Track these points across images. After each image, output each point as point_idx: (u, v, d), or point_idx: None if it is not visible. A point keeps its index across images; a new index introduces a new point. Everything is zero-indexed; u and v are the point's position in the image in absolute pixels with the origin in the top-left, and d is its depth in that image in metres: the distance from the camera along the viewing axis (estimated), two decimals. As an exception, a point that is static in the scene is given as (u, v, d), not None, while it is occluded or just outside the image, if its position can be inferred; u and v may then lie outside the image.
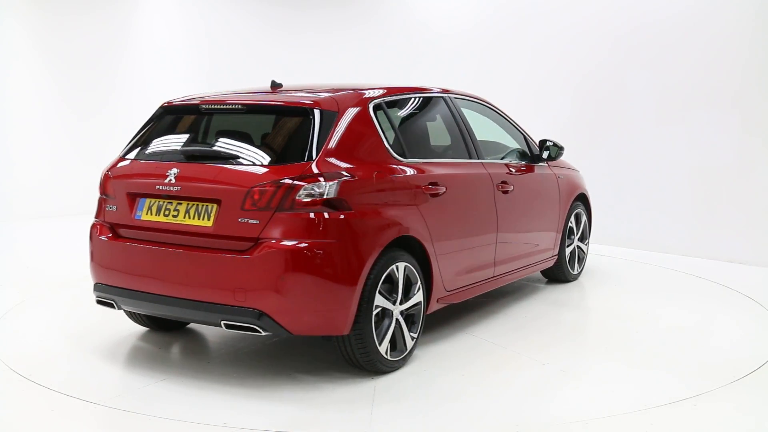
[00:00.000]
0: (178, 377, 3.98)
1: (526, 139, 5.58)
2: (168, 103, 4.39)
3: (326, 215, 3.62)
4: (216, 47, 11.11)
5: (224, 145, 4.03)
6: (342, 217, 3.67)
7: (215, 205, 3.70)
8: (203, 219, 3.73)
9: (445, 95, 4.97)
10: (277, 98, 4.05)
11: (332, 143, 3.80)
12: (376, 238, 3.79)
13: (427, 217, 4.20)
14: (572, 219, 6.00)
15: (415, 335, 4.12)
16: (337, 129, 3.86)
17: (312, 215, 3.60)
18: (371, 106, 4.16)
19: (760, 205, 6.94)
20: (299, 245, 3.56)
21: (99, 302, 4.19)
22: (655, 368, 4.15)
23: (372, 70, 9.88)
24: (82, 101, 10.58)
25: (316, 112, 3.86)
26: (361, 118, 4.05)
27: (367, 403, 3.61)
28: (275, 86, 4.40)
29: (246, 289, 3.57)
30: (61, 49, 10.46)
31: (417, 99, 4.84)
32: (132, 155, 4.23)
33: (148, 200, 3.95)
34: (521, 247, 5.31)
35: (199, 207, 3.76)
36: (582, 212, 6.18)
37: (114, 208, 4.10)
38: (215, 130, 4.19)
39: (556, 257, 5.82)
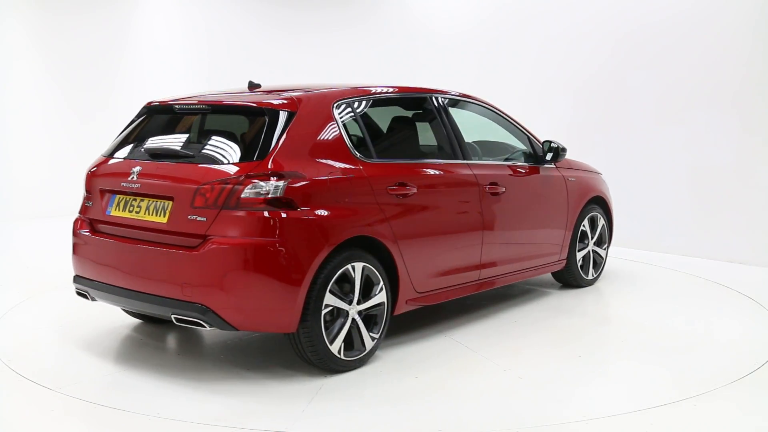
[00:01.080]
0: (178, 377, 3.99)
1: (531, 141, 5.46)
2: (149, 103, 4.50)
3: (270, 214, 3.66)
4: (216, 47, 11.11)
5: (184, 144, 4.15)
6: (287, 216, 3.70)
7: (170, 202, 3.83)
8: (159, 215, 3.86)
9: (431, 95, 4.88)
10: (239, 99, 4.15)
11: (285, 143, 3.84)
12: (325, 237, 3.79)
13: (392, 218, 4.17)
14: (586, 223, 5.84)
15: (377, 336, 4.13)
16: (292, 129, 3.89)
17: (256, 213, 3.65)
18: (336, 106, 4.18)
19: (760, 205, 6.94)
20: (241, 243, 3.62)
21: (77, 293, 4.35)
22: (655, 368, 4.15)
23: (372, 70, 9.89)
24: (82, 101, 10.58)
25: (273, 113, 3.92)
26: (322, 119, 4.08)
27: (307, 399, 3.64)
28: (253, 86, 4.48)
29: (192, 284, 3.67)
30: (61, 49, 10.46)
31: (394, 100, 4.85)
32: (110, 153, 4.39)
33: (117, 197, 4.12)
34: (517, 250, 5.20)
35: (157, 204, 3.89)
36: (599, 216, 5.98)
37: (91, 204, 4.31)
38: (180, 130, 4.29)
39: (564, 261, 5.69)
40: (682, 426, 3.38)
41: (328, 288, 3.82)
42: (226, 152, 3.89)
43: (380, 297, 4.11)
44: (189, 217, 3.73)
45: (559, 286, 6.00)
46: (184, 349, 4.46)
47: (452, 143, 4.81)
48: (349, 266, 3.93)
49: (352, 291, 3.97)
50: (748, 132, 7.00)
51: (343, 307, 3.92)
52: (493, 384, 3.90)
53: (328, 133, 4.07)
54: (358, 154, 4.14)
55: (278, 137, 3.83)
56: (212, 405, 3.60)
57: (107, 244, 4.12)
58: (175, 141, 4.23)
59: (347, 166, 4.04)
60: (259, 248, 3.63)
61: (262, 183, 3.68)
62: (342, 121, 4.16)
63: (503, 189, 4.97)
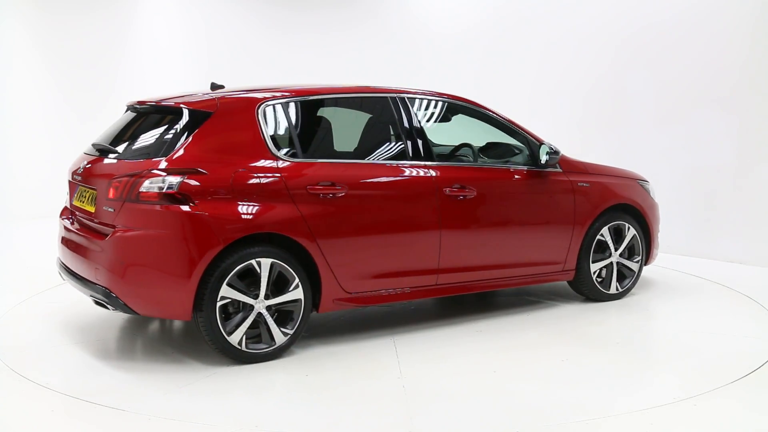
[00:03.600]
0: (178, 377, 3.99)
1: (529, 143, 5.19)
2: (129, 102, 4.76)
3: (162, 208, 3.90)
4: (216, 47, 11.10)
5: (119, 141, 4.39)
6: (180, 211, 3.91)
7: (96, 193, 4.19)
8: (90, 204, 4.26)
9: (392, 95, 4.80)
10: (172, 100, 4.37)
11: (194, 141, 4.06)
12: (218, 233, 3.95)
13: (311, 217, 4.21)
14: (605, 232, 5.42)
15: (290, 331, 4.22)
16: (204, 128, 4.10)
17: (151, 207, 3.91)
18: (261, 107, 4.30)
19: (760, 205, 6.94)
20: (135, 234, 3.93)
21: (59, 274, 4.71)
22: (654, 368, 4.15)
23: (372, 71, 9.88)
24: (82, 101, 10.57)
25: (189, 113, 4.19)
26: (243, 120, 4.23)
27: (180, 387, 3.82)
28: (215, 87, 4.70)
29: (100, 269, 4.03)
30: (61, 49, 10.46)
31: (341, 100, 4.83)
32: (86, 149, 4.71)
33: (78, 188, 4.50)
34: (496, 257, 4.99)
35: (91, 194, 4.26)
36: (628, 225, 5.52)
37: (68, 195, 4.76)
38: (125, 128, 4.51)
39: (571, 272, 5.34)
40: (682, 426, 3.38)
41: (226, 281, 3.98)
42: (144, 149, 4.18)
43: (295, 294, 4.21)
44: (104, 207, 4.09)
45: (582, 298, 5.59)
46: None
47: (410, 144, 4.71)
48: (253, 261, 4.05)
49: (270, 285, 4.13)
50: (748, 132, 7.01)
51: (245, 301, 4.07)
52: (380, 391, 3.81)
53: (247, 133, 4.22)
54: (280, 154, 4.24)
55: (188, 136, 4.08)
56: (212, 405, 3.61)
57: (68, 229, 4.54)
58: (116, 138, 4.45)
59: (262, 165, 4.16)
60: (150, 240, 3.92)
61: (158, 178, 3.93)
62: (267, 122, 4.30)
63: (473, 192, 4.79)
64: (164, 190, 3.91)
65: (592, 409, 3.55)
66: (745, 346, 4.56)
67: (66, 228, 4.60)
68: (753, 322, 5.11)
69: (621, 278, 5.61)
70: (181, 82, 10.66)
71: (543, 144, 5.15)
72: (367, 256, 4.47)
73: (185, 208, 3.91)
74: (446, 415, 3.48)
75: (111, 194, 4.01)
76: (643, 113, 7.74)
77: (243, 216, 4.03)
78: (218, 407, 3.57)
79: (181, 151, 4.01)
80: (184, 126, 4.14)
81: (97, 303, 4.21)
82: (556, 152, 5.14)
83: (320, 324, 4.99)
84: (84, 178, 4.36)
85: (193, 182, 3.95)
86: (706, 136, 7.26)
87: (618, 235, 5.53)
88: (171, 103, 4.32)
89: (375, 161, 4.63)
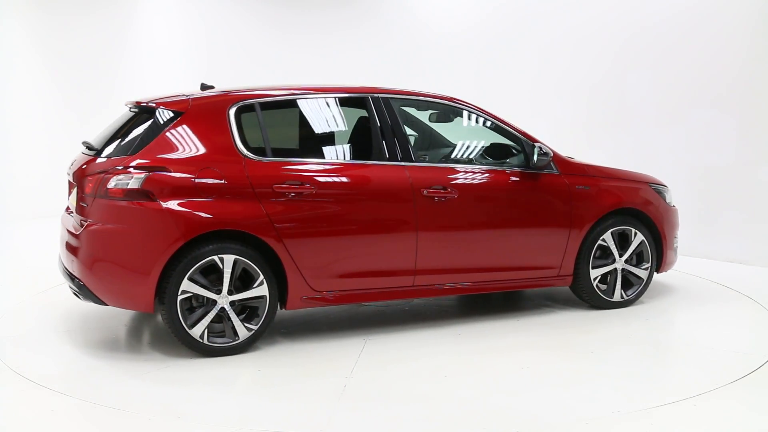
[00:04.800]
0: (179, 377, 4.00)
1: (523, 144, 5.04)
2: (126, 102, 4.84)
3: (126, 204, 4.08)
4: (216, 48, 11.11)
5: (103, 139, 4.49)
6: (141, 207, 4.07)
7: (76, 189, 4.35)
8: (74, 200, 4.42)
9: (371, 95, 4.77)
10: (152, 99, 4.50)
11: (162, 140, 4.23)
12: (179, 229, 4.08)
13: (276, 215, 4.27)
14: (608, 237, 5.20)
15: (254, 327, 4.30)
16: (174, 127, 4.27)
17: (117, 203, 4.10)
18: (233, 107, 4.41)
19: (760, 205, 6.94)
20: (100, 228, 4.12)
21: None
22: (655, 368, 4.15)
23: (372, 71, 9.88)
24: (82, 101, 10.57)
25: (161, 112, 4.35)
26: (213, 119, 4.36)
27: (141, 374, 4.01)
28: (205, 88, 4.80)
29: (75, 261, 4.22)
30: (61, 49, 10.46)
31: (318, 100, 4.80)
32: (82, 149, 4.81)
33: (74, 185, 4.56)
34: (479, 260, 4.87)
35: (76, 191, 4.38)
36: (635, 231, 5.28)
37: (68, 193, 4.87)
38: (115, 127, 4.61)
39: (568, 277, 5.16)
40: (682, 426, 3.38)
41: (187, 276, 4.11)
42: (120, 147, 4.30)
43: (260, 291, 4.28)
44: (81, 203, 4.26)
45: (587, 306, 5.35)
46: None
47: (387, 144, 4.67)
48: (216, 258, 4.15)
49: (234, 281, 4.24)
50: (748, 132, 7.01)
51: (207, 296, 4.18)
52: (325, 391, 3.79)
53: (216, 132, 4.33)
54: (248, 154, 4.32)
55: (157, 134, 4.24)
56: (213, 405, 3.61)
57: (65, 226, 4.62)
58: (105, 137, 4.54)
59: (228, 164, 4.25)
60: (116, 234, 4.10)
61: (124, 175, 4.10)
62: (238, 123, 4.38)
63: (454, 193, 4.72)
64: (128, 187, 4.08)
65: (592, 408, 3.54)
66: (746, 346, 4.56)
67: (64, 226, 4.69)
68: (753, 322, 5.12)
69: (628, 286, 5.37)
70: (181, 82, 10.66)
71: (535, 145, 5.00)
72: (336, 256, 4.48)
73: (148, 204, 4.08)
74: (368, 418, 3.45)
75: (86, 190, 4.21)
76: (643, 113, 7.74)
77: (203, 213, 4.14)
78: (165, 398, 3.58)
79: (148, 150, 4.18)
80: (155, 125, 4.30)
81: (74, 294, 4.37)
82: (546, 153, 4.97)
83: (304, 321, 5.01)
84: (73, 176, 4.50)
85: (157, 180, 4.10)
86: (706, 136, 7.26)
87: (624, 240, 5.31)
88: (148, 103, 4.47)
89: (347, 161, 4.64)
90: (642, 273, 5.37)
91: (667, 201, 5.60)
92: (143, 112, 4.48)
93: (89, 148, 4.54)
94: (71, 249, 4.28)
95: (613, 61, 7.93)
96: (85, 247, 4.16)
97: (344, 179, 4.53)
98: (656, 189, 5.54)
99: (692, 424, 3.40)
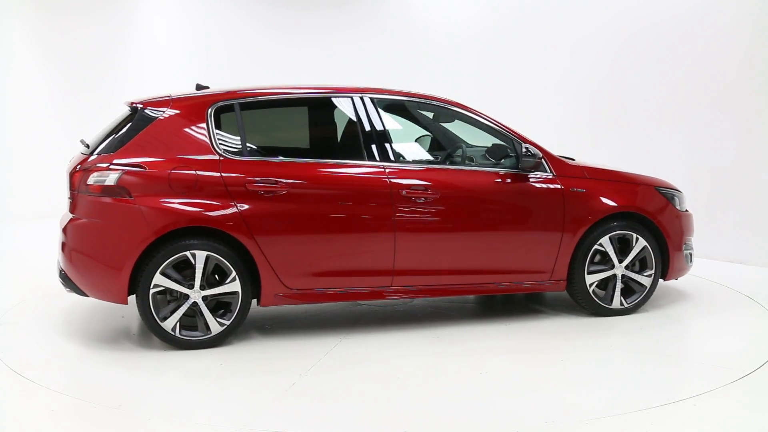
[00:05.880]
0: (179, 377, 4.00)
1: (515, 146, 4.87)
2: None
3: (101, 200, 4.27)
4: (216, 48, 11.11)
5: (99, 138, 4.59)
6: (115, 203, 4.25)
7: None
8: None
9: (353, 95, 4.77)
10: (141, 100, 4.62)
11: (141, 138, 4.38)
12: (150, 225, 4.22)
13: (248, 213, 4.35)
14: (606, 242, 4.98)
15: (227, 322, 4.39)
16: (153, 126, 4.43)
17: (95, 198, 4.29)
18: (212, 107, 4.53)
19: (760, 205, 6.94)
20: (81, 222, 4.33)
21: None
22: (655, 368, 4.15)
23: (372, 71, 9.88)
24: (81, 101, 10.58)
25: (140, 111, 4.51)
26: (191, 119, 4.48)
27: (102, 363, 4.20)
28: (200, 88, 4.91)
29: (60, 253, 4.45)
30: (61, 49, 10.46)
31: (298, 101, 4.85)
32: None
33: None
34: (462, 262, 4.77)
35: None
36: (636, 236, 5.03)
37: None
38: (109, 126, 4.72)
39: (562, 282, 4.98)
40: (682, 426, 3.38)
41: (159, 270, 4.25)
42: (105, 145, 4.43)
43: (231, 287, 4.37)
44: (68, 198, 4.45)
45: (587, 312, 5.15)
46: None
47: (366, 144, 4.66)
48: (188, 253, 4.27)
49: (212, 276, 4.38)
50: (748, 132, 7.01)
51: (179, 290, 4.30)
52: (266, 388, 3.83)
53: (194, 131, 4.45)
54: (223, 153, 4.42)
55: (136, 133, 4.39)
56: (212, 405, 3.61)
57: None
58: (98, 135, 4.66)
59: (202, 162, 4.36)
60: (93, 228, 4.30)
61: (102, 172, 4.28)
62: (216, 123, 4.50)
63: (436, 194, 4.65)
64: (105, 184, 4.26)
65: (592, 408, 3.54)
66: (745, 346, 4.56)
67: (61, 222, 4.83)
68: (753, 322, 5.11)
69: (630, 293, 5.13)
70: (181, 82, 10.65)
71: (522, 146, 4.84)
72: (309, 254, 4.50)
73: (122, 201, 4.25)
74: (296, 417, 3.45)
75: (72, 186, 4.40)
76: (643, 114, 7.73)
77: (175, 210, 4.26)
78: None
79: (127, 148, 4.34)
80: (136, 124, 4.45)
81: (62, 285, 4.56)
82: (534, 155, 4.81)
83: (285, 318, 5.03)
84: (67, 173, 4.63)
85: (132, 177, 4.26)
86: (706, 136, 7.26)
87: (625, 245, 5.07)
88: (135, 103, 4.60)
89: (324, 160, 4.62)
90: (644, 280, 5.11)
91: (677, 205, 5.30)
92: (132, 111, 4.59)
93: (86, 146, 4.65)
94: (60, 242, 4.48)
95: (613, 61, 7.92)
96: (68, 240, 4.37)
97: (318, 178, 4.53)
98: (664, 193, 5.26)
99: (692, 424, 3.40)
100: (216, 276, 4.40)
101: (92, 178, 4.29)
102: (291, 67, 10.42)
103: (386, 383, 3.91)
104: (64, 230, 4.41)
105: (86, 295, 4.41)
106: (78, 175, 4.36)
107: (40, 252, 7.79)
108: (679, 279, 5.53)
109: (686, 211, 5.42)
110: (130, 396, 3.72)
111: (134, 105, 4.59)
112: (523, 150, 4.81)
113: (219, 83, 5.50)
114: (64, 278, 4.46)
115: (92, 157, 4.37)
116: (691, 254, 5.39)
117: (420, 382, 3.93)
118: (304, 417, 3.46)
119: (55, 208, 10.09)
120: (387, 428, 3.33)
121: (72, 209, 4.40)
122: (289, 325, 4.98)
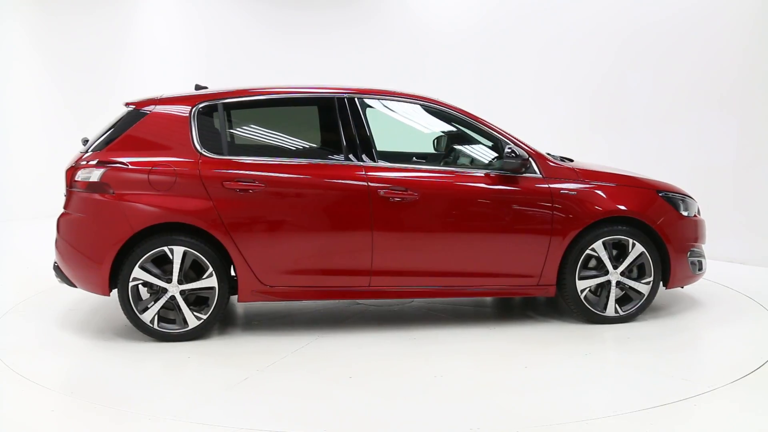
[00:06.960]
0: (179, 377, 3.99)
1: (501, 146, 4.80)
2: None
3: (85, 196, 4.49)
4: (216, 48, 11.11)
5: (97, 137, 4.73)
6: (97, 199, 4.46)
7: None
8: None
9: (338, 95, 4.77)
10: (135, 100, 4.76)
11: (126, 137, 4.58)
12: (130, 220, 4.41)
13: (225, 210, 4.47)
14: (599, 247, 4.83)
15: (204, 316, 4.54)
16: (138, 126, 4.61)
17: (81, 194, 4.51)
18: (196, 108, 4.66)
19: (760, 205, 6.94)
20: (69, 217, 4.57)
21: None
22: (655, 368, 4.15)
23: (372, 71, 9.89)
24: (81, 102, 10.58)
25: (129, 111, 4.70)
26: (174, 119, 4.63)
27: (80, 353, 4.40)
28: (199, 89, 5.05)
29: (55, 245, 4.67)
30: (61, 49, 10.46)
31: (282, 101, 4.88)
32: None
33: None
34: (443, 264, 4.70)
35: None
36: (633, 242, 4.87)
37: None
38: (107, 125, 4.83)
39: (551, 288, 4.85)
40: (682, 426, 3.38)
41: (138, 264, 4.43)
42: (97, 143, 4.62)
43: (208, 282, 4.53)
44: (63, 194, 4.64)
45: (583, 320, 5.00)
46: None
47: (347, 144, 4.67)
48: (166, 249, 4.45)
49: (192, 271, 4.54)
50: (748, 132, 7.01)
51: (157, 284, 4.48)
52: (242, 386, 3.84)
53: (176, 131, 4.60)
54: (203, 152, 4.54)
55: (122, 131, 4.59)
56: (159, 395, 3.61)
57: None
58: (96, 134, 4.79)
59: (182, 161, 4.50)
60: (78, 223, 4.53)
61: (87, 169, 4.49)
62: (199, 123, 4.62)
63: (414, 194, 4.61)
64: (90, 180, 4.47)
65: (592, 408, 3.54)
66: (745, 346, 4.56)
67: None
68: (753, 322, 5.11)
69: (627, 301, 4.98)
70: (181, 82, 10.66)
71: (506, 147, 4.74)
72: (285, 252, 4.56)
73: (104, 196, 4.44)
74: (227, 410, 3.49)
75: (66, 182, 4.60)
76: (643, 114, 7.74)
77: (152, 207, 4.42)
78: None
79: (113, 146, 4.54)
80: (124, 123, 4.64)
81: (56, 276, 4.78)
82: (516, 156, 4.69)
83: (286, 314, 5.05)
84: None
85: (114, 174, 4.45)
86: (706, 136, 7.26)
87: (621, 251, 4.93)
88: (128, 103, 4.76)
89: (303, 160, 4.65)
90: (642, 288, 4.94)
91: (683, 211, 5.10)
92: (124, 110, 4.76)
93: (85, 144, 4.83)
94: (55, 236, 4.70)
95: (613, 61, 7.93)
96: (59, 234, 4.61)
97: (295, 177, 4.57)
98: (667, 197, 5.05)
99: (692, 424, 3.40)
100: (194, 272, 4.55)
101: (79, 175, 4.51)
102: (291, 67, 10.42)
103: (335, 383, 3.90)
104: (57, 224, 4.63)
105: (75, 286, 4.62)
106: (70, 171, 4.57)
107: (40, 251, 7.80)
108: (685, 287, 5.36)
109: (695, 216, 5.23)
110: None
111: (128, 105, 4.76)
112: (507, 151, 4.71)
113: (219, 83, 5.50)
114: (57, 270, 4.69)
115: (86, 155, 4.57)
116: (700, 262, 5.19)
117: (367, 382, 3.92)
118: (237, 412, 3.49)
119: (54, 207, 10.10)
120: (308, 428, 3.31)
121: (65, 205, 4.61)
122: (273, 321, 5.03)
